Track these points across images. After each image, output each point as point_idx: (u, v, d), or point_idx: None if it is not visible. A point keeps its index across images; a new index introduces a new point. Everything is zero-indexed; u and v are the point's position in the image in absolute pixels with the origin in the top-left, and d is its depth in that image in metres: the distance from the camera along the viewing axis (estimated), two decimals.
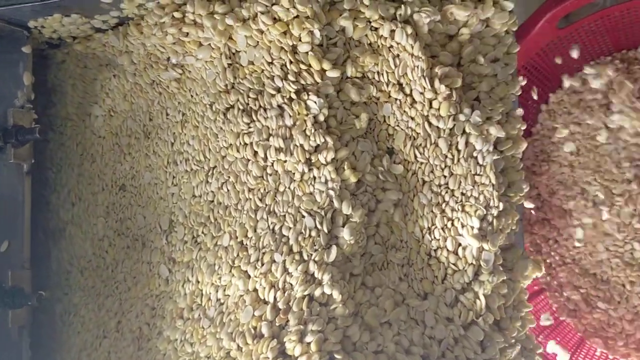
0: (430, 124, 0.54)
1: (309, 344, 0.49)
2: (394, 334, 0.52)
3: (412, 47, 0.53)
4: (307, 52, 0.52)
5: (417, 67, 0.53)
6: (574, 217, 0.90)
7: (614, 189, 0.86)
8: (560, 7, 0.77)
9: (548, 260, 0.94)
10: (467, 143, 0.54)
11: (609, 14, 0.82)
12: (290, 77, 0.53)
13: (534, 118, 0.95)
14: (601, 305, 0.90)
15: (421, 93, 0.54)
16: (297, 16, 0.52)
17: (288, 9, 0.51)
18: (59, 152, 0.69)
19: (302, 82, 0.53)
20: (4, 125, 0.62)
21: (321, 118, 0.53)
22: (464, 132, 0.54)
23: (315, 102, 0.53)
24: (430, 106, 0.54)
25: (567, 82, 0.92)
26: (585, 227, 0.89)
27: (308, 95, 0.53)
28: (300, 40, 0.52)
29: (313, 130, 0.53)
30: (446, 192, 0.55)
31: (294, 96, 0.53)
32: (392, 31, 0.53)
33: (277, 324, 0.51)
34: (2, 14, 0.59)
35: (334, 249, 0.52)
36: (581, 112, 0.90)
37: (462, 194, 0.54)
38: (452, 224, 0.55)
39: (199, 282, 0.57)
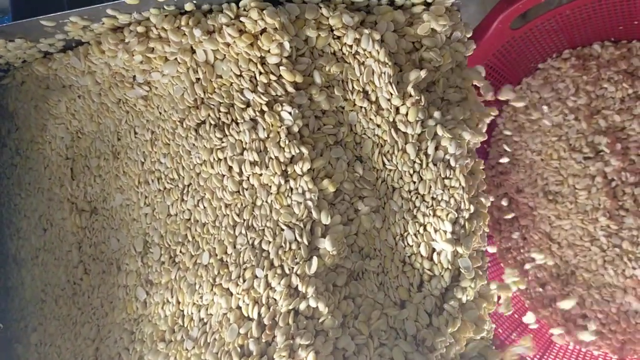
0: (397, 130, 0.54)
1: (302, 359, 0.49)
2: (375, 346, 0.52)
3: (379, 53, 0.53)
4: (277, 64, 0.52)
5: (384, 73, 0.53)
6: (540, 214, 0.92)
7: (577, 184, 0.88)
8: (511, 8, 0.78)
9: (518, 258, 0.96)
10: (437, 147, 0.54)
11: (561, 12, 0.84)
12: (260, 89, 0.53)
13: (496, 118, 0.97)
14: (571, 300, 0.91)
15: (388, 99, 0.54)
16: (265, 29, 0.51)
17: (256, 21, 0.51)
18: (27, 176, 0.67)
19: (272, 93, 0.53)
20: None
21: (295, 129, 0.53)
22: (435, 135, 0.54)
23: (289, 113, 0.52)
24: (397, 112, 0.54)
25: (525, 82, 0.94)
26: (551, 224, 0.91)
27: (282, 106, 0.52)
28: (269, 52, 0.52)
29: (287, 142, 0.52)
30: (416, 198, 0.55)
31: (265, 108, 0.53)
32: (357, 39, 0.53)
33: (263, 340, 0.50)
34: None
35: (314, 261, 0.51)
36: (539, 109, 0.91)
37: (433, 198, 0.54)
38: (425, 230, 0.54)
39: (179, 302, 0.56)
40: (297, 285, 0.51)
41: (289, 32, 0.51)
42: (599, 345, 0.89)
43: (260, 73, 0.52)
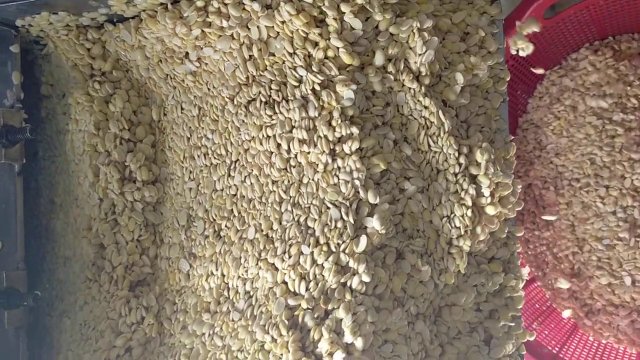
0: (445, 112, 0.55)
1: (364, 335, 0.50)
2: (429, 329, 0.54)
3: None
4: (338, 48, 0.52)
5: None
6: (564, 206, 0.92)
7: (602, 177, 0.88)
8: None
9: (538, 250, 0.96)
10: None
11: (594, 3, 0.84)
12: (314, 68, 0.53)
13: (522, 108, 0.97)
14: (586, 294, 0.92)
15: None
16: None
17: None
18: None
19: (327, 72, 0.53)
20: None
21: (350, 112, 0.53)
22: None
23: (352, 92, 0.52)
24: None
25: (554, 71, 0.95)
26: (575, 215, 0.91)
27: (347, 84, 0.52)
28: (335, 32, 0.52)
29: (340, 121, 0.52)
30: (464, 180, 0.55)
31: (317, 87, 0.53)
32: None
33: (315, 315, 0.51)
34: None
35: (363, 239, 0.51)
36: (567, 100, 0.92)
37: (490, 179, 0.55)
38: (473, 212, 0.55)
39: (224, 275, 0.57)
40: (347, 262, 0.51)
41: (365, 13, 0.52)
42: (619, 339, 0.90)
43: (318, 49, 0.52)
